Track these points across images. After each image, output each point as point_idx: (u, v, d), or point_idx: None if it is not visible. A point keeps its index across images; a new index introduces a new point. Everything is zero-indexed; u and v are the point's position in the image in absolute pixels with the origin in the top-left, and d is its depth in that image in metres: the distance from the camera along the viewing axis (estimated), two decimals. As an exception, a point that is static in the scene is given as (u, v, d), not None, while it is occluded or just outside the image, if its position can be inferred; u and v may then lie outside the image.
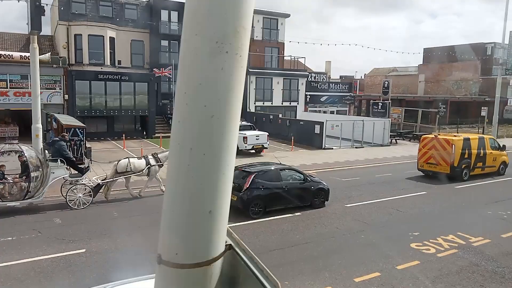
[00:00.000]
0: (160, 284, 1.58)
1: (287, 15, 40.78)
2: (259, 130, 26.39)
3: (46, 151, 13.16)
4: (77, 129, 18.65)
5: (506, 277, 8.32)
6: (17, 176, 12.36)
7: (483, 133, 28.10)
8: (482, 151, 18.56)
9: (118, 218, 11.68)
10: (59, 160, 12.43)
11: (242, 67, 1.43)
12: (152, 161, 14.35)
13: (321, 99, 39.89)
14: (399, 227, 11.34)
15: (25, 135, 26.88)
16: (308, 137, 27.43)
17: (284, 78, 37.15)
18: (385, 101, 34.80)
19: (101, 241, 9.64)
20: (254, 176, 12.02)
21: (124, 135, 26.56)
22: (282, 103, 37.19)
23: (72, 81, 26.79)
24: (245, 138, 22.79)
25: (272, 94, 36.69)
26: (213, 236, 1.50)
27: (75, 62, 31.58)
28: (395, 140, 31.06)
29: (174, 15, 35.49)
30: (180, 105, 1.43)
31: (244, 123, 26.10)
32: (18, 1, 20.92)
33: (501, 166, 19.51)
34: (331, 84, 41.41)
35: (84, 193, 12.58)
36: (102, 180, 13.60)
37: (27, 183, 11.82)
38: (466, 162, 17.91)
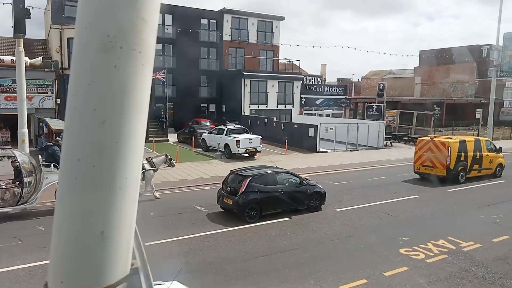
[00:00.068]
0: None
1: (282, 18, 40.73)
2: (253, 133, 26.23)
3: (40, 156, 12.96)
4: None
5: (495, 283, 8.13)
6: (10, 181, 12.17)
7: (478, 135, 27.96)
8: (478, 153, 18.45)
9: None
10: (52, 165, 12.29)
11: (144, 65, 1.24)
12: (147, 166, 14.26)
13: (316, 102, 39.75)
14: (389, 232, 11.14)
15: (18, 140, 26.74)
16: (302, 140, 27.26)
17: (279, 81, 37.03)
18: (380, 104, 34.67)
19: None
20: (249, 180, 11.93)
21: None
22: (277, 106, 37.04)
23: (64, 85, 26.56)
24: (238, 141, 22.61)
25: (267, 97, 36.54)
26: (107, 261, 1.29)
27: (68, 66, 31.39)
28: (390, 143, 30.90)
29: (168, 18, 35.39)
30: (68, 109, 1.24)
31: (237, 126, 25.96)
32: (3, 4, 20.75)
33: (498, 168, 19.41)
34: (326, 87, 41.32)
35: None
36: None
37: (20, 189, 11.64)
38: (462, 164, 17.79)
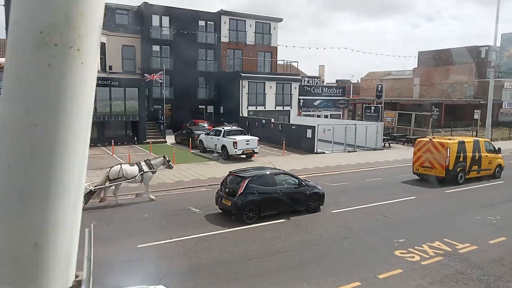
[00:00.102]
0: None
1: (280, 20, 40.70)
2: (250, 134, 26.13)
3: None
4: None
5: (491, 286, 8.02)
6: None
7: (476, 136, 27.88)
8: (477, 154, 18.40)
9: (96, 227, 11.31)
10: None
11: (84, 63, 1.16)
12: (145, 168, 14.27)
13: (315, 103, 39.69)
14: (385, 233, 11.03)
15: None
16: (300, 141, 27.19)
17: (277, 83, 36.96)
18: (378, 105, 34.60)
19: (74, 251, 9.29)
20: (248, 181, 11.89)
21: (113, 141, 26.24)
22: (275, 108, 36.96)
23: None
24: (235, 143, 22.51)
25: (265, 99, 36.47)
26: (42, 274, 1.20)
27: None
28: (388, 144, 30.81)
29: (166, 20, 35.39)
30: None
31: (234, 127, 25.86)
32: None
33: (497, 169, 19.37)
34: (324, 88, 41.27)
35: None
36: (94, 187, 13.41)
37: None
38: (461, 165, 17.74)
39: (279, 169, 14.00)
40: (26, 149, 1.12)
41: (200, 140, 25.83)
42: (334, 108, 40.88)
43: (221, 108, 37.74)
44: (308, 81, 40.29)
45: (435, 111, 34.05)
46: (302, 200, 12.68)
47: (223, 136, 23.62)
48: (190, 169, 19.97)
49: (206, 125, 31.91)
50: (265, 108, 36.32)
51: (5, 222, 1.16)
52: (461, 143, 18.01)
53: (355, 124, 28.89)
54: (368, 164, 22.95)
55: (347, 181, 18.03)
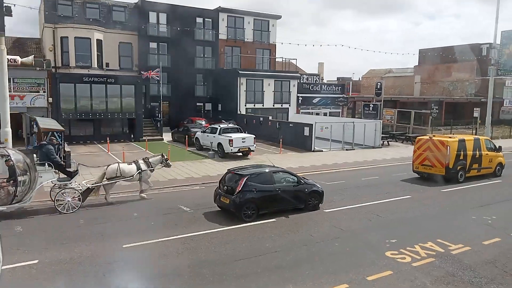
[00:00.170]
0: None
1: (278, 17, 40.40)
2: (248, 132, 25.94)
3: (34, 155, 12.78)
4: (55, 132, 18.19)
5: (482, 288, 7.80)
6: (4, 180, 12.07)
7: (476, 134, 27.59)
8: (477, 152, 18.22)
9: (83, 225, 11.15)
10: (46, 164, 12.27)
11: None
12: (143, 166, 14.22)
13: (313, 101, 39.41)
14: (377, 233, 10.80)
15: (13, 138, 26.43)
16: (298, 139, 26.97)
17: (275, 80, 36.71)
18: (377, 103, 34.32)
19: (57, 251, 9.12)
20: (246, 179, 11.82)
21: (108, 138, 26.09)
22: (273, 105, 36.74)
23: (56, 84, 26.31)
24: (230, 141, 22.32)
25: (263, 96, 36.24)
26: None
27: (61, 65, 31.20)
28: (387, 142, 30.56)
29: (163, 17, 35.16)
30: None
31: (231, 125, 25.66)
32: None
33: (497, 167, 19.19)
34: (323, 86, 40.97)
35: (73, 197, 12.40)
36: (92, 185, 13.39)
37: (14, 188, 11.55)
38: (461, 163, 17.56)
39: (277, 167, 13.85)
40: None
41: (197, 137, 25.64)
42: (333, 106, 40.61)
43: (219, 105, 37.52)
44: (307, 79, 39.99)
45: (434, 109, 33.73)
46: (301, 198, 12.60)
47: (219, 134, 23.42)
48: (184, 167, 19.77)
49: (203, 122, 31.71)
50: (263, 105, 36.09)
51: None
52: (462, 141, 17.81)
53: (353, 122, 28.65)
54: (366, 163, 22.71)
55: (343, 179, 17.81)
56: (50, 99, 26.14)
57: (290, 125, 29.05)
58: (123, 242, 9.66)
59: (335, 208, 13.11)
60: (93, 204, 13.30)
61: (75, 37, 30.70)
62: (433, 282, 8.02)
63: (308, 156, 24.19)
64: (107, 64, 32.97)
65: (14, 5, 12.98)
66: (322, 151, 26.29)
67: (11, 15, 12.63)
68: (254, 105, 35.69)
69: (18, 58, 25.12)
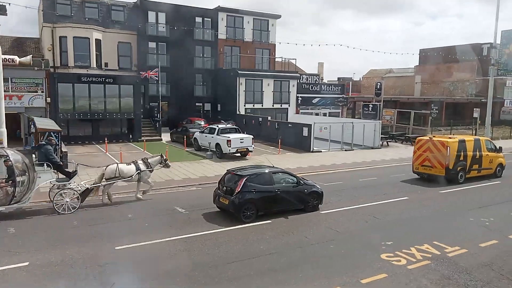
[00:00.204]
0: None
1: (278, 16, 40.29)
2: (247, 132, 25.85)
3: (33, 155, 12.74)
4: (52, 133, 18.14)
5: (478, 292, 7.69)
6: (3, 180, 12.03)
7: (475, 135, 27.45)
8: (478, 153, 18.15)
9: (77, 227, 11.06)
10: (45, 164, 12.23)
11: None
12: (142, 166, 14.21)
13: (313, 101, 39.30)
14: (373, 235, 10.70)
15: (11, 138, 26.38)
16: (297, 140, 26.87)
17: (274, 80, 36.60)
18: (376, 103, 34.18)
19: (49, 253, 9.03)
20: (245, 180, 11.79)
21: (107, 139, 26.02)
22: (273, 105, 36.64)
23: (54, 84, 26.24)
24: (228, 141, 22.22)
25: (263, 96, 36.13)
26: None
27: (60, 64, 31.12)
28: (387, 142, 30.44)
29: (162, 16, 35.06)
30: None
31: (229, 125, 25.56)
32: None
33: (498, 168, 19.14)
34: (323, 86, 40.84)
35: (72, 198, 12.36)
36: (91, 185, 13.38)
37: (12, 188, 11.50)
38: (461, 164, 17.49)
39: (277, 168, 13.80)
40: None
41: (195, 138, 25.55)
42: (333, 106, 40.49)
43: (219, 105, 37.43)
44: (306, 79, 39.87)
45: (434, 109, 33.58)
46: (300, 199, 12.57)
47: (217, 134, 23.32)
48: (182, 168, 19.68)
49: (202, 123, 31.61)
50: (262, 106, 35.99)
51: None
52: (462, 142, 17.73)
53: (352, 122, 28.51)
54: (364, 163, 22.60)
55: (341, 180, 17.71)
56: (49, 99, 26.07)
57: (289, 125, 28.95)
58: (115, 244, 9.57)
59: (332, 209, 13.01)
60: (91, 204, 13.24)
61: (73, 37, 30.63)
62: (428, 285, 7.91)
63: (306, 157, 24.08)
64: (106, 64, 32.90)
65: (9, 4, 12.88)
66: (321, 151, 26.19)
67: (5, 14, 12.54)
68: (254, 105, 35.58)
69: (16, 57, 25.05)
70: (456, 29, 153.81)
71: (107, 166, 13.84)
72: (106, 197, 13.65)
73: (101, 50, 32.37)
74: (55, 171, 12.68)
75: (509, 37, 26.49)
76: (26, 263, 8.43)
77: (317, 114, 38.43)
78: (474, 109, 32.82)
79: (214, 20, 37.38)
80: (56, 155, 17.32)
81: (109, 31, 33.24)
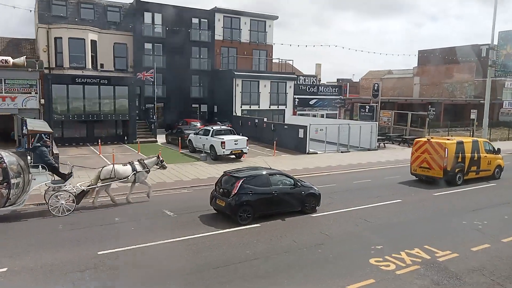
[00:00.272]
0: None
1: (275, 17, 40.13)
2: (243, 134, 25.66)
3: (29, 157, 12.59)
4: (43, 134, 17.92)
5: (467, 299, 7.48)
6: None
7: (472, 136, 27.24)
8: (476, 154, 18.03)
9: (61, 231, 10.85)
10: (40, 166, 12.12)
11: None
12: (139, 167, 14.11)
13: (310, 103, 39.10)
14: (363, 239, 10.49)
15: (5, 140, 26.23)
16: (293, 141, 26.68)
17: (271, 81, 36.41)
18: (373, 104, 33.98)
19: (29, 258, 8.81)
20: (242, 181, 11.69)
21: (101, 140, 25.84)
22: (269, 107, 36.44)
23: (48, 85, 26.06)
24: (223, 143, 22.02)
25: (259, 98, 35.94)
26: None
27: (55, 65, 30.99)
28: (384, 144, 30.23)
29: (158, 17, 34.90)
30: None
31: (223, 127, 25.36)
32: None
33: (496, 170, 19.01)
34: (320, 87, 40.64)
35: (67, 200, 12.25)
36: (87, 187, 13.26)
37: (7, 190, 11.34)
38: (459, 166, 17.36)
39: (274, 169, 13.65)
40: None
41: (190, 139, 25.36)
42: (330, 107, 40.28)
43: (215, 107, 37.25)
44: (304, 80, 39.68)
45: (431, 111, 33.37)
46: (297, 200, 12.46)
47: (211, 136, 23.13)
48: (175, 170, 19.47)
49: (198, 124, 31.43)
50: (259, 107, 35.81)
51: None
52: (460, 144, 17.59)
53: (348, 124, 28.30)
54: (360, 165, 22.38)
55: (334, 182, 17.49)
56: (42, 101, 25.89)
57: (285, 127, 28.76)
58: (98, 248, 9.36)
59: (322, 212, 12.80)
60: (83, 207, 13.04)
61: (69, 38, 30.50)
62: (416, 291, 7.70)
63: (302, 159, 23.88)
64: (102, 65, 32.76)
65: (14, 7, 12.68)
66: (317, 153, 25.98)
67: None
68: (250, 107, 35.40)
69: (9, 58, 24.88)
70: (457, 30, 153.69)
71: (103, 167, 13.75)
72: (98, 199, 13.53)
73: (97, 51, 32.24)
74: (50, 173, 12.56)
75: (506, 38, 26.26)
76: (5, 269, 8.22)
77: (314, 116, 38.21)
78: (472, 110, 32.62)
79: (211, 21, 37.22)
80: (48, 157, 17.19)
81: (105, 32, 33.11)
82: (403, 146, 30.36)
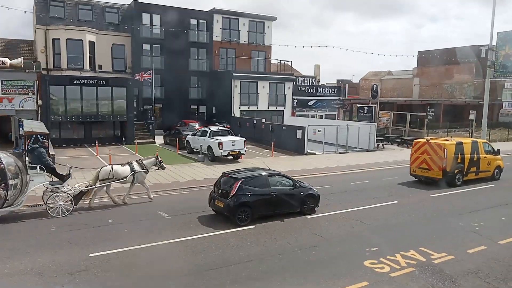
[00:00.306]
0: None
1: (274, 18, 40.06)
2: (241, 135, 25.55)
3: (27, 158, 12.57)
4: (38, 135, 17.86)
5: (461, 302, 7.38)
6: None
7: (471, 137, 27.14)
8: (475, 155, 17.98)
9: (54, 232, 10.76)
10: (38, 167, 12.08)
11: None
12: (137, 168, 14.10)
13: (309, 104, 39.02)
14: (358, 241, 10.39)
15: (3, 141, 26.16)
16: (291, 142, 26.60)
17: (270, 82, 36.32)
18: (372, 105, 33.89)
19: (19, 260, 8.72)
20: (241, 182, 11.65)
21: (99, 142, 25.77)
22: (268, 108, 36.35)
23: (46, 86, 26.00)
24: (220, 144, 21.93)
25: (258, 99, 35.85)
26: None
27: (53, 67, 30.93)
28: (382, 145, 30.14)
29: (156, 18, 34.83)
30: None
31: (221, 128, 25.27)
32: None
33: (496, 170, 18.97)
34: (319, 88, 40.55)
35: (65, 201, 12.22)
36: (85, 188, 13.24)
37: (5, 191, 11.29)
38: (459, 167, 17.31)
39: (272, 170, 13.57)
40: None
41: (187, 140, 25.28)
42: (329, 108, 40.19)
43: (214, 108, 37.17)
44: (303, 81, 39.59)
45: (430, 112, 33.28)
46: (296, 201, 12.42)
47: (209, 137, 23.04)
48: (172, 171, 19.37)
49: (197, 125, 31.36)
50: (257, 108, 35.71)
51: None
52: (459, 144, 17.54)
53: (346, 125, 28.20)
54: (358, 166, 22.28)
55: (332, 184, 17.39)
56: (40, 102, 25.84)
57: (283, 128, 28.66)
58: (90, 250, 9.28)
59: (318, 214, 12.70)
60: (81, 208, 12.96)
61: (67, 39, 30.44)
62: (410, 294, 7.60)
63: (300, 160, 23.79)
64: (100, 66, 32.70)
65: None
66: (315, 154, 25.89)
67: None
68: (249, 108, 35.31)
69: (7, 60, 24.86)
70: (457, 30, 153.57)
71: (101, 168, 13.74)
72: (95, 200, 13.50)
73: (95, 52, 32.18)
74: (49, 174, 12.52)
75: (505, 38, 26.16)
76: (-6, 271, 8.14)
77: (313, 117, 38.12)
78: (470, 111, 32.51)
79: (209, 22, 37.15)
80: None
81: (103, 33, 33.05)
82: (401, 147, 30.26)
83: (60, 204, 12.07)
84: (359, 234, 11.04)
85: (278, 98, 36.88)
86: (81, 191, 13.01)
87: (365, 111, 32.94)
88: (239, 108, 34.82)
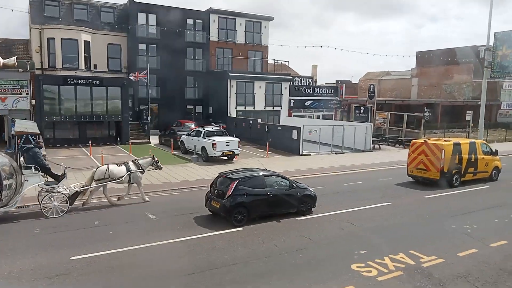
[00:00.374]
0: None
1: (271, 18, 39.91)
2: (237, 135, 25.35)
3: (22, 158, 12.40)
4: (29, 136, 17.69)
5: (448, 307, 7.19)
6: None
7: (467, 138, 26.95)
8: (473, 156, 17.85)
9: (37, 234, 10.57)
10: (33, 167, 11.98)
11: None
12: (133, 168, 14.00)
13: (306, 104, 38.83)
14: (347, 244, 10.20)
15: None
16: (286, 142, 26.42)
17: (266, 82, 36.14)
18: (368, 105, 33.71)
19: (-1, 263, 8.56)
20: (237, 183, 11.57)
21: (94, 142, 25.60)
22: (265, 108, 36.18)
23: (39, 86, 25.82)
24: (214, 144, 21.74)
25: (254, 99, 35.66)
26: None
27: (48, 66, 30.76)
28: (379, 145, 29.95)
29: (152, 18, 34.67)
30: None
31: (216, 128, 25.09)
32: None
33: (494, 171, 18.84)
34: (316, 88, 40.36)
35: (61, 201, 12.11)
36: (81, 188, 13.13)
37: None
38: (456, 167, 17.21)
39: (269, 171, 13.44)
40: None
41: (182, 141, 25.10)
42: (326, 108, 40.00)
43: (210, 108, 36.99)
44: (300, 81, 39.42)
45: (427, 112, 33.08)
46: (293, 202, 12.38)
47: (203, 137, 22.86)
48: (164, 171, 19.11)
49: (193, 125, 31.16)
50: (254, 108, 35.53)
51: None
52: (457, 145, 17.41)
53: (342, 125, 28.02)
54: (353, 167, 22.10)
55: (324, 184, 17.18)
56: (34, 101, 25.66)
57: (279, 128, 28.49)
58: (72, 253, 9.08)
59: (308, 216, 12.52)
60: (76, 208, 12.80)
61: (62, 38, 30.27)
62: (396, 299, 7.42)
63: (294, 160, 23.60)
64: (95, 66, 32.53)
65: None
66: (310, 154, 25.71)
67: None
68: (245, 108, 35.14)
69: (0, 59, 24.68)
70: (457, 30, 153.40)
71: (97, 168, 13.64)
72: (90, 200, 13.39)
73: (90, 52, 32.01)
74: (43, 174, 12.40)
75: (502, 38, 25.96)
76: (-30, 275, 7.95)
77: (310, 117, 37.93)
78: (467, 111, 32.33)
79: (206, 22, 36.98)
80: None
81: (99, 32, 32.88)
82: (398, 148, 30.08)
83: (55, 205, 11.96)
84: (349, 236, 10.85)
85: (275, 98, 36.71)
86: (77, 191, 12.91)
87: (362, 111, 32.77)
88: (236, 108, 34.65)
